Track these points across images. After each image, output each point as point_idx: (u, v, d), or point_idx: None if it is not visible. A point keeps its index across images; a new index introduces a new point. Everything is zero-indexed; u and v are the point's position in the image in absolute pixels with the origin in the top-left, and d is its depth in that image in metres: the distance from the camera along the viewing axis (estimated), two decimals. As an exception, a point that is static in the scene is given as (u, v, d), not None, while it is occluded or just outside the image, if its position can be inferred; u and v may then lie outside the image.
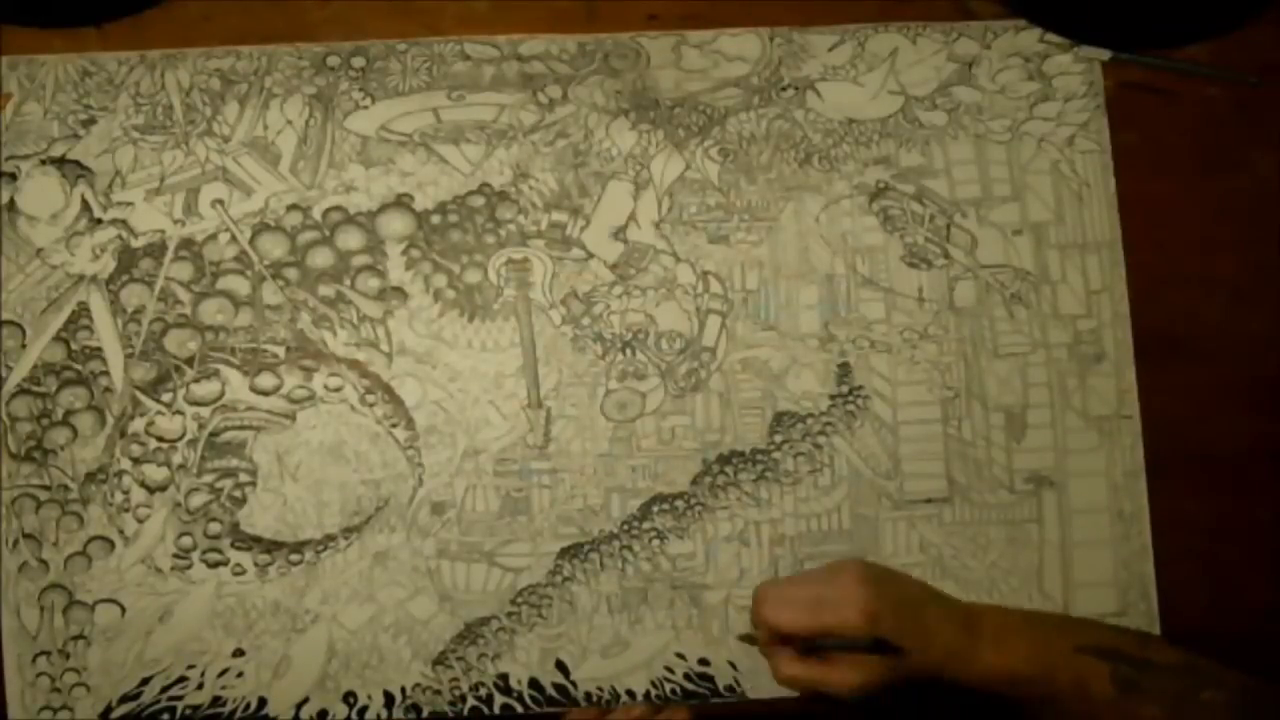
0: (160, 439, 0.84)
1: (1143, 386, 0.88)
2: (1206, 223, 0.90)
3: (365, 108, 0.88)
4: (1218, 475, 0.88)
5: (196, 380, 0.85)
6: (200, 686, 0.83)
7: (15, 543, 0.83)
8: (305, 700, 0.83)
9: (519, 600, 0.85)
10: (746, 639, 0.81)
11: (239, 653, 0.83)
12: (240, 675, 0.83)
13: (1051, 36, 0.91)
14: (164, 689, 0.83)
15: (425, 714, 0.83)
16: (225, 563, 0.84)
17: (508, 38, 0.89)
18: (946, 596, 0.80)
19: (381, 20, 0.89)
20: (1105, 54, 0.90)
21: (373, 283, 0.86)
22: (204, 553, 0.84)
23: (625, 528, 0.86)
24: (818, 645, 0.75)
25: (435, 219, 0.87)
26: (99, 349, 0.84)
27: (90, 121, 0.86)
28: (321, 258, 0.86)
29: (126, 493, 0.83)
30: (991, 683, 0.75)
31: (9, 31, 0.87)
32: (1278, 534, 0.88)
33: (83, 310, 0.84)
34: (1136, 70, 0.91)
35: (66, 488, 0.83)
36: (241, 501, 0.84)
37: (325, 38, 0.88)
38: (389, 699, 0.83)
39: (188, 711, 0.82)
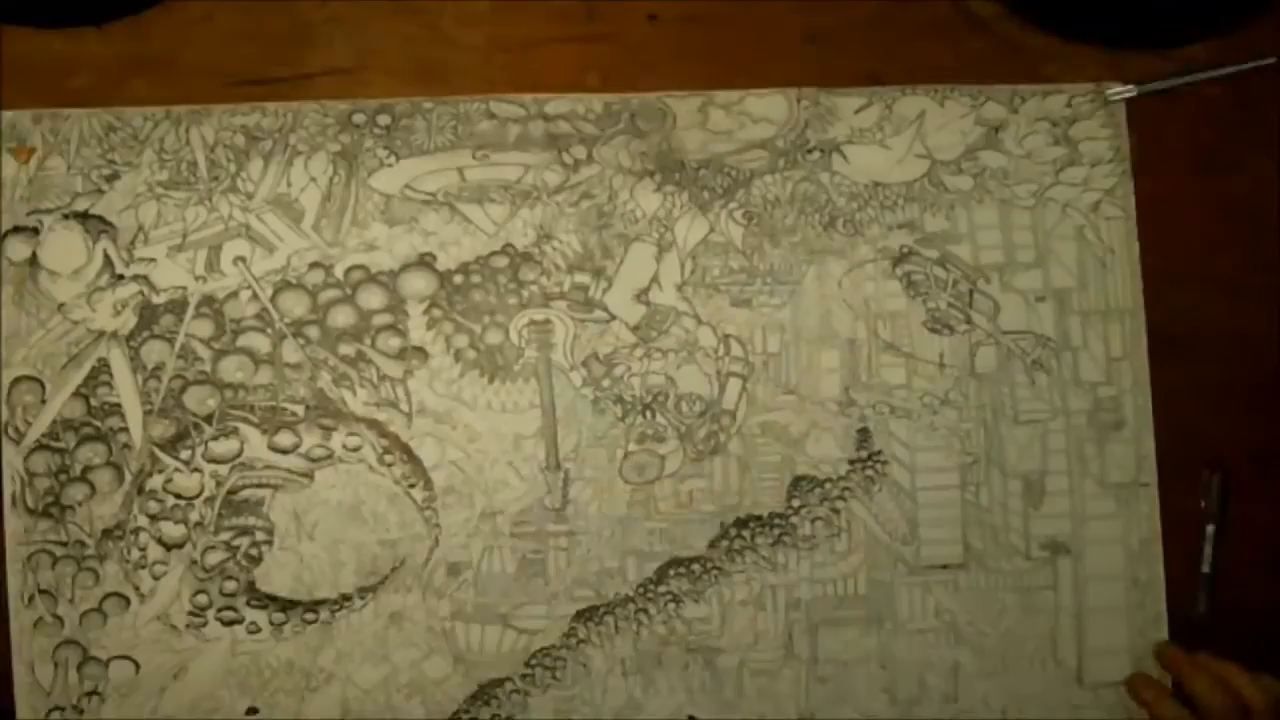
0: (178, 496, 0.84)
1: (1142, 386, 0.89)
2: (1206, 223, 0.90)
3: (390, 165, 0.87)
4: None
5: (215, 438, 0.84)
6: (213, 744, 0.83)
7: (31, 598, 0.83)
8: (318, 760, 0.83)
9: (533, 662, 0.85)
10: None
11: (253, 710, 0.83)
12: (254, 733, 0.83)
13: (1079, 99, 0.90)
14: (177, 746, 0.83)
15: (438, 775, 0.84)
16: (240, 621, 0.83)
17: (533, 96, 0.88)
18: None
19: (382, 20, 0.88)
20: (1131, 90, 0.90)
21: (393, 342, 0.86)
22: (219, 610, 0.83)
23: (641, 591, 0.85)
24: None
25: (458, 279, 0.87)
26: (118, 405, 0.84)
27: (114, 176, 0.85)
28: (343, 316, 0.86)
29: (143, 549, 0.83)
30: None
31: (9, 31, 0.86)
32: (1278, 534, 0.88)
33: (103, 366, 0.84)
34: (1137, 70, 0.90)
35: (83, 544, 0.83)
36: (258, 560, 0.84)
37: (325, 38, 0.87)
38: (402, 760, 0.84)
39: (200, 769, 0.83)
